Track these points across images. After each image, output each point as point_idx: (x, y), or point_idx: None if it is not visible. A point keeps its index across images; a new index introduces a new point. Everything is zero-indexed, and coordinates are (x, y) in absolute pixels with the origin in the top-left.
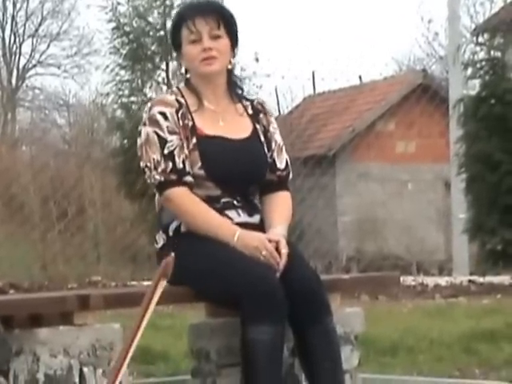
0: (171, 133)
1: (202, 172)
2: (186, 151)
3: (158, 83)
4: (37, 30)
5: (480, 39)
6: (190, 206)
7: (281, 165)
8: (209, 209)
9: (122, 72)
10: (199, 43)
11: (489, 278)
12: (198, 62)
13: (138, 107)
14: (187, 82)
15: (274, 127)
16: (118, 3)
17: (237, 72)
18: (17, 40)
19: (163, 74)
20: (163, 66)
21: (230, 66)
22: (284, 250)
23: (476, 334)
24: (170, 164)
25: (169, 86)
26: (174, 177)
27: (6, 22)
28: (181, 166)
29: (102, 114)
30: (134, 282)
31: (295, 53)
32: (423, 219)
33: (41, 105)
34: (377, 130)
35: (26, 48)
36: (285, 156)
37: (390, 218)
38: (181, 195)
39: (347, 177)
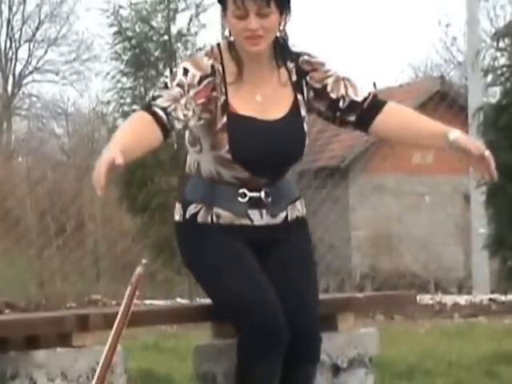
0: (179, 85)
1: (229, 156)
2: (180, 107)
3: None
4: (34, 35)
5: (501, 44)
6: (134, 119)
7: (363, 94)
8: (128, 126)
9: (124, 79)
10: (245, 20)
11: (511, 297)
12: (242, 39)
13: None
14: (230, 45)
15: (330, 74)
16: (120, 7)
17: None
18: (13, 45)
19: None
20: (167, 73)
21: (278, 34)
22: (488, 152)
23: (497, 356)
24: (156, 97)
25: None
26: (148, 102)
27: (2, 26)
28: (163, 104)
29: (102, 123)
30: (136, 301)
31: None
32: (441, 234)
33: (38, 113)
34: None
35: (23, 53)
36: (359, 85)
37: (406, 233)
38: (138, 114)
39: (361, 189)
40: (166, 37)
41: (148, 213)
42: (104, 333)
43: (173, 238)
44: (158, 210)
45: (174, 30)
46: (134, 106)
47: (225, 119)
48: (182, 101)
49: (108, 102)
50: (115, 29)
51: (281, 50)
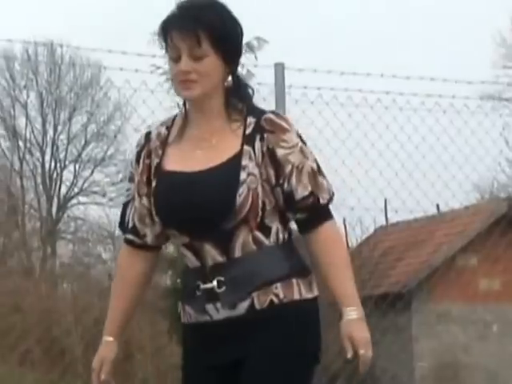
0: (130, 180)
1: (158, 220)
2: (137, 202)
3: None
4: (79, 155)
5: None
6: (117, 272)
7: (303, 192)
8: (115, 290)
9: None
10: (179, 62)
11: None
12: (177, 84)
13: None
14: (184, 103)
15: (287, 146)
16: None
17: None
18: (57, 166)
19: None
20: None
21: (227, 82)
22: (363, 351)
23: None
24: (120, 218)
25: None
26: (122, 232)
27: (46, 146)
28: (126, 221)
29: None
30: None
31: (366, 181)
32: (511, 365)
33: (83, 237)
34: (457, 265)
35: (68, 175)
36: (311, 178)
37: (473, 363)
38: (120, 254)
39: (425, 318)
40: None
41: None
42: None
43: None
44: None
45: None
46: None
47: (155, 182)
48: (136, 195)
49: None
50: None
51: (235, 104)
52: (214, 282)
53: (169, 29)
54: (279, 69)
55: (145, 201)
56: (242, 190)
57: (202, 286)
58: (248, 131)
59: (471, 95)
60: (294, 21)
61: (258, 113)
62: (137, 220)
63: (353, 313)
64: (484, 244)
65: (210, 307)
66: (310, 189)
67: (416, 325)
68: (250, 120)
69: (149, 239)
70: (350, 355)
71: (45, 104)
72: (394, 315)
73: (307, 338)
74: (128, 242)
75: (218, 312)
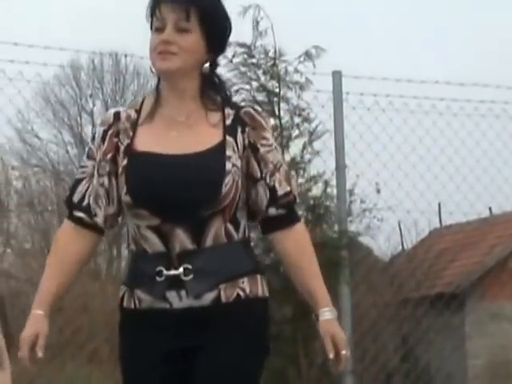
0: (89, 157)
1: (128, 198)
2: (96, 181)
3: None
4: None
5: None
6: (54, 245)
7: (285, 188)
8: (53, 263)
9: None
10: (161, 33)
11: None
12: (155, 56)
13: None
14: (157, 83)
15: (266, 143)
16: None
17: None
18: None
19: None
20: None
21: (203, 69)
22: (344, 352)
23: None
24: (69, 193)
25: None
26: (67, 208)
27: None
28: (77, 198)
29: None
30: None
31: (422, 185)
32: None
33: None
34: (510, 266)
35: None
36: (286, 178)
37: None
38: (61, 230)
39: (478, 317)
40: None
41: None
42: None
43: (287, 369)
44: (271, 341)
45: (287, 157)
46: None
47: (125, 161)
48: (95, 173)
49: None
50: None
51: (210, 92)
52: (181, 269)
53: (160, 1)
54: (337, 76)
55: (104, 180)
56: (228, 180)
57: (166, 272)
58: (228, 122)
59: None
60: (353, 29)
61: (236, 105)
62: (92, 199)
63: (329, 313)
64: None
65: (171, 294)
66: (288, 187)
67: (469, 324)
68: (229, 111)
69: (99, 220)
70: (332, 355)
71: None
72: (449, 315)
73: (266, 334)
74: (75, 219)
75: (180, 300)
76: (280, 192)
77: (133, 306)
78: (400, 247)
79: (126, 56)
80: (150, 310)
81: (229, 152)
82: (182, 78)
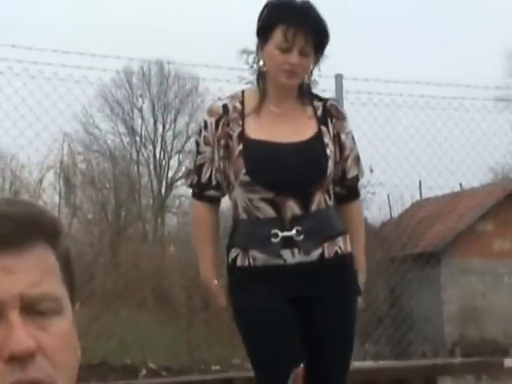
0: (206, 144)
1: (247, 178)
2: (217, 163)
3: None
4: (183, 147)
5: None
6: (198, 224)
7: (353, 172)
8: (206, 239)
9: None
10: (287, 54)
11: None
12: (279, 71)
13: None
14: (259, 77)
15: (346, 133)
16: None
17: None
18: (165, 156)
19: None
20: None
21: (306, 79)
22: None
23: None
24: (196, 177)
25: None
26: (196, 190)
27: (157, 141)
28: (205, 180)
29: None
30: None
31: (406, 165)
32: None
33: (185, 211)
34: (476, 230)
35: (174, 162)
36: (357, 165)
37: (489, 307)
38: (197, 210)
39: (451, 271)
40: None
41: None
42: None
43: None
44: None
45: None
46: None
47: (241, 147)
48: (216, 157)
49: None
50: None
51: (306, 91)
52: (293, 231)
53: (293, 23)
54: (338, 78)
55: (221, 163)
56: (329, 163)
57: (281, 234)
58: (319, 113)
59: (484, 97)
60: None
61: (320, 98)
62: (219, 178)
63: (360, 274)
64: (497, 213)
65: (285, 252)
66: (356, 171)
67: (444, 277)
68: (317, 104)
69: (224, 194)
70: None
71: (156, 108)
72: (428, 270)
73: (356, 279)
74: (208, 198)
75: (293, 257)
76: (349, 175)
77: (247, 264)
78: (389, 216)
79: (169, 63)
80: (264, 266)
81: (326, 140)
82: (295, 87)
